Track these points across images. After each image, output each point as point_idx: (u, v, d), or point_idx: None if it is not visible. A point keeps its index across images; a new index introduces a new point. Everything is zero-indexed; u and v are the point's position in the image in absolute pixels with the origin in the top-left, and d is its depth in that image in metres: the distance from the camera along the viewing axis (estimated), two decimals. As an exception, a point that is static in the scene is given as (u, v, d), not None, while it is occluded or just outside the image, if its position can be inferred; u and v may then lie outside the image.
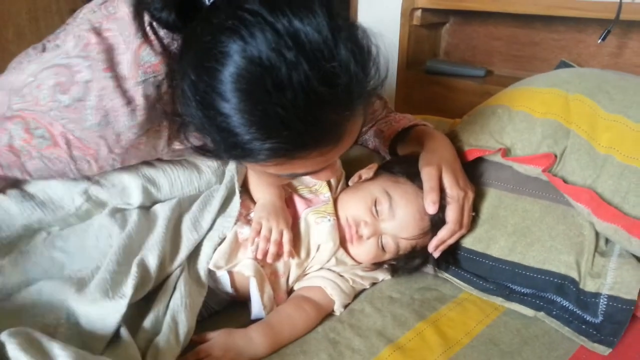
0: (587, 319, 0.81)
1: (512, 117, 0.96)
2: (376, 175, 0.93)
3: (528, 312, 0.85)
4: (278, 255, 0.82)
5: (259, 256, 0.81)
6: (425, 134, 0.97)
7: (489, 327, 0.82)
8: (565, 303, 0.84)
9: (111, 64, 0.66)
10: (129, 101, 0.67)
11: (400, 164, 0.94)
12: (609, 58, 1.38)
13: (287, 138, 0.59)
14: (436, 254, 0.87)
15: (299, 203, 0.90)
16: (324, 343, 0.78)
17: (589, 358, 0.76)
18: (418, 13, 1.58)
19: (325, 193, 0.91)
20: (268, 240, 0.81)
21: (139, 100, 0.67)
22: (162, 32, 0.67)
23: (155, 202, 0.86)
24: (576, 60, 1.42)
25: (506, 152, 0.93)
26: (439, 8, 1.56)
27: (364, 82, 0.61)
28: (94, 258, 0.77)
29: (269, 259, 0.81)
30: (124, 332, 0.71)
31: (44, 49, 0.80)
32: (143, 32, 0.66)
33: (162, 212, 0.83)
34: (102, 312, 0.71)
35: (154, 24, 0.66)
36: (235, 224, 0.85)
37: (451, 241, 0.87)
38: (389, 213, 0.85)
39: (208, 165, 0.89)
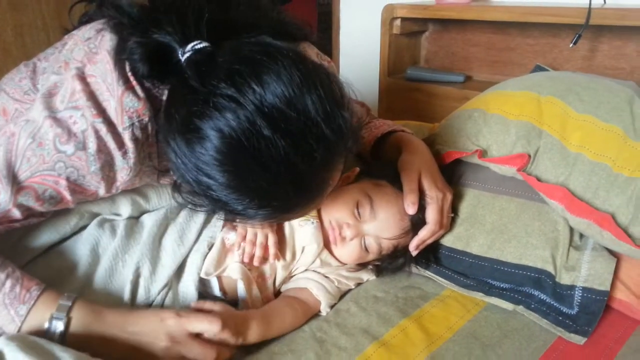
0: (564, 310, 0.84)
1: (487, 120, 1.00)
2: (358, 179, 0.96)
3: (507, 306, 0.88)
4: (264, 258, 0.85)
5: (246, 260, 0.83)
6: (403, 139, 1.00)
7: (470, 322, 0.85)
8: (543, 296, 0.87)
9: (99, 110, 0.68)
10: (120, 145, 0.70)
11: (381, 168, 0.97)
12: (582, 61, 1.43)
13: (277, 206, 0.65)
14: (414, 253, 0.90)
15: None
16: (311, 342, 0.80)
17: (566, 348, 0.79)
18: (398, 22, 1.61)
19: None
20: (254, 243, 0.84)
21: (128, 144, 0.70)
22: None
23: (143, 213, 0.88)
24: (551, 64, 1.47)
25: (482, 154, 0.96)
26: (418, 17, 1.60)
27: (340, 143, 0.64)
28: (83, 273, 0.79)
29: (255, 262, 0.84)
30: None
31: (34, 68, 0.82)
32: (124, 80, 0.68)
33: (148, 224, 0.85)
34: None
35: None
36: (221, 230, 0.88)
37: (430, 241, 0.90)
38: (370, 215, 0.88)
39: None
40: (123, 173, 0.72)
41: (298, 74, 0.60)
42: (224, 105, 0.58)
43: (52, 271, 0.79)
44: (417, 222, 0.89)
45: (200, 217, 0.87)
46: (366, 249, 0.89)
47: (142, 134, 0.71)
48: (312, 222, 0.88)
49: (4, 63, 1.77)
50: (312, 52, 0.90)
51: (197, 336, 0.74)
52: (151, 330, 0.72)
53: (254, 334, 0.77)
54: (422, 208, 0.88)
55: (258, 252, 0.84)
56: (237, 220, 0.71)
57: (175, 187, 0.72)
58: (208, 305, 0.78)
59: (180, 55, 0.64)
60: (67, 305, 0.70)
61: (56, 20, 1.89)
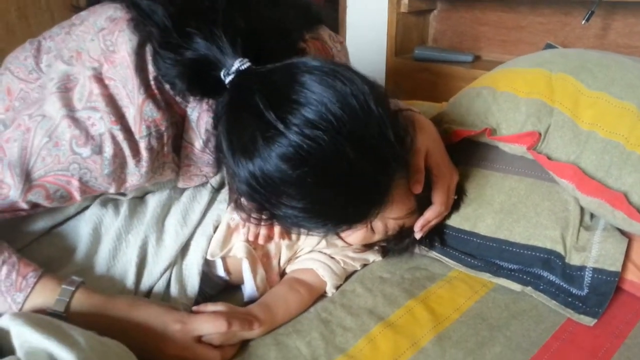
0: (573, 291, 0.83)
1: (496, 97, 0.97)
2: None
3: (515, 287, 0.86)
4: (269, 236, 0.84)
5: (251, 238, 0.82)
6: (410, 118, 0.98)
7: (478, 303, 0.83)
8: (552, 277, 0.86)
9: (118, 116, 0.67)
10: (135, 153, 0.69)
11: None
12: (595, 39, 1.39)
13: (353, 220, 0.66)
14: (418, 235, 0.88)
15: None
16: (316, 322, 0.79)
17: (575, 329, 0.78)
18: (405, 0, 1.59)
19: None
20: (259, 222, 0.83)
21: (143, 152, 0.69)
22: (167, 86, 0.69)
23: (147, 193, 0.87)
24: (562, 43, 1.44)
25: (492, 132, 0.94)
26: (426, -5, 1.58)
27: (399, 146, 0.65)
28: (85, 252, 0.79)
29: (260, 241, 0.83)
30: None
31: (39, 47, 0.80)
32: (145, 87, 0.67)
33: (152, 204, 0.84)
34: None
35: (159, 77, 0.68)
36: (226, 210, 0.86)
37: (435, 222, 0.89)
38: None
39: None
40: (133, 178, 0.72)
41: (362, 92, 0.60)
42: (303, 132, 0.57)
43: (55, 251, 0.78)
44: (423, 201, 0.87)
45: (204, 198, 0.86)
46: (372, 230, 0.88)
47: (157, 143, 0.70)
48: None
49: (9, 44, 1.74)
50: (325, 34, 0.88)
51: (200, 339, 0.72)
52: (156, 337, 0.70)
53: (259, 329, 0.76)
54: (428, 187, 0.86)
55: (263, 230, 0.82)
56: (303, 232, 0.70)
57: (236, 204, 0.72)
58: (210, 307, 0.76)
59: (223, 75, 0.64)
60: (65, 300, 0.68)
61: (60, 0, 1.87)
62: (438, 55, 1.61)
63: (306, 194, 0.60)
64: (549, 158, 0.88)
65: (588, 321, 0.79)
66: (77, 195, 0.70)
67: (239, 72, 0.63)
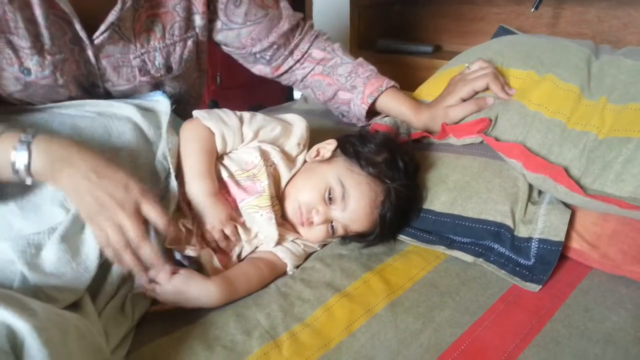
0: (521, 261, 0.87)
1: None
2: (333, 155, 0.94)
3: (468, 258, 0.90)
4: (229, 247, 0.87)
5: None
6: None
7: (430, 273, 0.87)
8: (502, 249, 0.90)
9: None
10: None
11: (357, 144, 0.93)
12: (546, 28, 1.45)
13: None
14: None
15: (235, 191, 0.90)
16: (275, 296, 0.82)
17: (521, 293, 0.82)
18: (367, -7, 1.63)
19: (263, 181, 0.88)
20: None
21: None
22: None
23: None
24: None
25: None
26: (388, -12, 1.62)
27: None
28: (47, 218, 0.77)
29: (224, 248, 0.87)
30: (86, 302, 0.73)
31: None
32: None
33: None
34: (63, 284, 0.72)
35: None
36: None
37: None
38: (341, 203, 0.88)
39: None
40: None
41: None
42: None
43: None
44: (385, 214, 0.89)
45: None
46: (333, 232, 0.91)
47: None
48: (261, 215, 0.87)
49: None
50: None
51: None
52: (115, 189, 0.72)
53: (214, 298, 0.78)
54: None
55: (223, 245, 0.86)
56: None
57: None
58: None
59: None
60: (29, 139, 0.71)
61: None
62: (400, 47, 1.65)
63: None
64: (498, 140, 0.93)
65: (533, 288, 0.83)
66: None
67: None
